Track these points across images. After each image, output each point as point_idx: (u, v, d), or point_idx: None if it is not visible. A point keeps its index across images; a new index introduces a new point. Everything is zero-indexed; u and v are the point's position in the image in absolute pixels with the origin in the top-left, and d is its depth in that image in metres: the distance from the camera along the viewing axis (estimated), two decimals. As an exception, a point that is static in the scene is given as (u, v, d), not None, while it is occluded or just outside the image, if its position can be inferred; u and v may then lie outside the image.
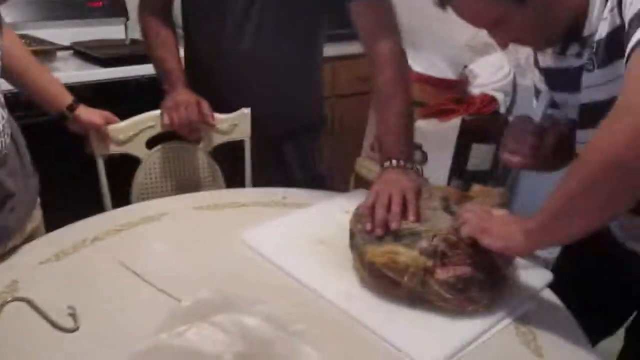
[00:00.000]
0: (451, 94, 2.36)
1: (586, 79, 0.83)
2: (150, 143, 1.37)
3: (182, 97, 1.29)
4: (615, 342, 1.08)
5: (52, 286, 0.90)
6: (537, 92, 1.05)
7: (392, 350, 0.78)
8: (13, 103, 1.08)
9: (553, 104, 1.01)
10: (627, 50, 0.67)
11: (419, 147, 2.26)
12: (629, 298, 1.02)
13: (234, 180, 1.47)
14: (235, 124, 1.40)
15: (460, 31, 2.65)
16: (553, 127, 0.95)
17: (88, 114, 1.22)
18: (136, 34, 2.49)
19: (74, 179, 1.59)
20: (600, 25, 0.77)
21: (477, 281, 0.84)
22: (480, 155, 2.28)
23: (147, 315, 0.80)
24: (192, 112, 1.28)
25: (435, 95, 2.33)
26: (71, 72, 1.94)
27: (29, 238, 1.06)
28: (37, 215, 1.11)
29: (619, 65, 0.72)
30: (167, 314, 0.70)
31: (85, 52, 2.14)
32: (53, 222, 1.14)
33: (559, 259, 1.17)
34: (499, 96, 2.35)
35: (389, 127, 1.16)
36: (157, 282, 0.90)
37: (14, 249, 1.01)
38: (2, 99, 0.96)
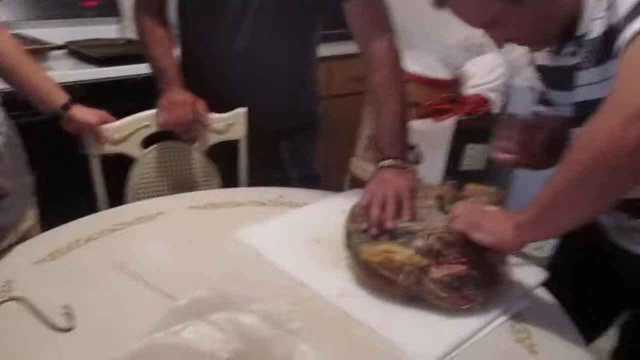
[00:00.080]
0: (445, 94, 2.37)
1: (582, 77, 0.84)
2: (146, 142, 1.37)
3: (178, 96, 1.29)
4: (608, 341, 1.09)
5: (46, 286, 0.90)
6: (534, 91, 1.06)
7: (388, 348, 0.78)
8: (8, 102, 1.08)
9: (547, 102, 1.02)
10: (619, 48, 0.68)
11: (413, 147, 2.27)
12: (622, 296, 1.02)
13: (229, 179, 1.47)
14: (230, 124, 1.40)
15: (454, 32, 2.67)
16: (542, 124, 0.96)
17: (83, 113, 1.22)
18: (130, 33, 2.50)
19: (68, 179, 1.58)
20: (595, 24, 0.78)
21: (472, 279, 0.84)
22: (474, 155, 2.29)
23: (143, 314, 0.80)
24: (187, 111, 1.28)
25: (430, 95, 2.33)
26: (65, 71, 1.93)
27: (24, 237, 1.05)
28: (32, 214, 1.11)
29: (615, 63, 0.73)
30: (164, 312, 0.70)
31: (79, 52, 2.14)
32: (48, 222, 1.13)
33: (554, 258, 1.18)
34: (493, 96, 2.36)
35: (384, 126, 1.17)
36: (153, 281, 0.90)
37: (9, 248, 1.00)
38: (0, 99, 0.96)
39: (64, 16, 2.29)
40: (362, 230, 0.94)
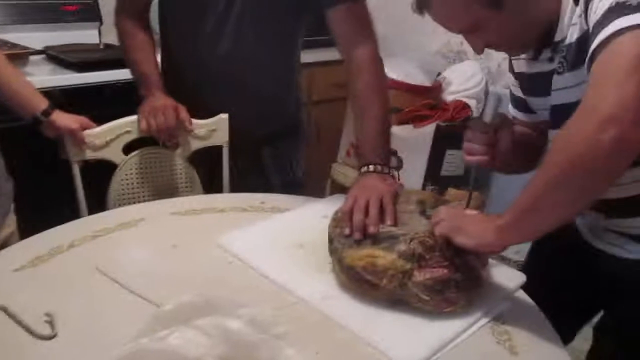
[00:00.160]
0: (425, 101, 2.40)
1: (557, 81, 0.87)
2: (127, 148, 1.36)
3: (160, 102, 1.29)
4: (583, 342, 1.11)
5: (28, 293, 0.88)
6: (513, 97, 1.09)
7: (372, 351, 0.79)
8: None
9: (526, 109, 1.04)
10: (590, 52, 0.70)
11: (394, 153, 2.29)
12: (597, 297, 1.05)
13: (211, 185, 1.47)
14: (213, 130, 1.40)
15: (433, 39, 2.72)
16: (504, 125, 0.98)
17: (63, 119, 1.21)
18: (110, 38, 2.48)
19: (48, 185, 1.56)
20: (570, 31, 0.81)
21: (454, 282, 0.86)
22: (454, 161, 2.32)
23: (126, 321, 0.79)
24: (169, 117, 1.28)
25: (410, 101, 2.36)
26: (44, 76, 1.91)
27: (4, 244, 1.05)
28: (12, 220, 1.09)
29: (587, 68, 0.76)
30: (148, 318, 0.70)
31: (58, 57, 2.11)
32: (28, 228, 1.12)
33: (528, 260, 1.20)
34: (472, 103, 2.41)
35: (366, 132, 1.18)
36: (136, 287, 0.89)
37: (-13, 256, 0.99)
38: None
39: (43, 20, 2.26)
40: (345, 235, 0.95)
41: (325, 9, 1.25)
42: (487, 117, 0.98)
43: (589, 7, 0.74)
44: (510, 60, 1.05)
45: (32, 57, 2.03)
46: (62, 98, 1.73)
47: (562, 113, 0.86)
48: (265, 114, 1.43)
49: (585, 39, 0.75)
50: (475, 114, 2.38)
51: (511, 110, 1.10)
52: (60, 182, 1.31)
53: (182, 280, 0.93)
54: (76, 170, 1.30)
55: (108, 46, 2.38)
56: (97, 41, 2.42)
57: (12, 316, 0.81)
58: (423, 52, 2.74)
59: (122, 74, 1.98)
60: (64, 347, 0.77)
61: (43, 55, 2.17)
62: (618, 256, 0.95)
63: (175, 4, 1.35)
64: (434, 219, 0.90)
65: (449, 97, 2.46)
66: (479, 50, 0.92)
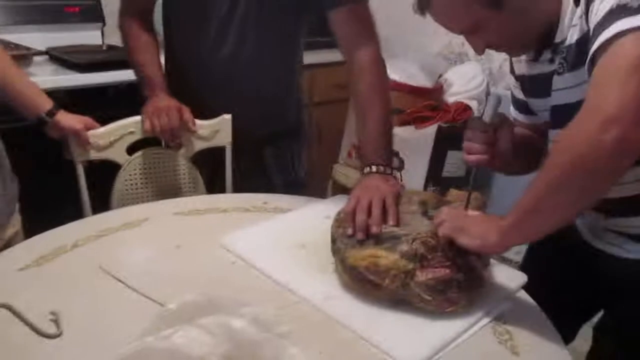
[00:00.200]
0: (427, 102, 2.41)
1: (557, 82, 0.87)
2: (131, 149, 1.37)
3: (164, 103, 1.30)
4: (584, 343, 1.12)
5: (32, 292, 0.89)
6: (514, 99, 1.10)
7: (374, 351, 0.80)
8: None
9: (527, 110, 1.05)
10: (591, 54, 0.71)
11: (395, 154, 2.30)
12: (597, 297, 1.05)
13: (213, 185, 1.48)
14: (216, 130, 1.41)
15: (434, 41, 2.73)
16: (504, 124, 0.99)
17: (68, 119, 1.22)
18: (113, 40, 2.49)
19: (52, 185, 1.57)
20: (570, 32, 0.81)
21: (456, 283, 0.86)
22: (455, 162, 2.33)
23: (130, 320, 0.80)
24: (173, 118, 1.28)
25: (412, 103, 2.37)
26: (47, 77, 1.92)
27: (8, 244, 1.05)
28: (17, 220, 1.10)
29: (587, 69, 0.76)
30: (153, 317, 0.71)
31: (61, 57, 2.12)
32: (32, 228, 1.13)
33: (526, 260, 1.21)
34: (473, 104, 2.41)
35: (368, 133, 1.18)
36: (140, 287, 0.90)
37: (-8, 255, 1.00)
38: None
39: (46, 21, 2.27)
40: (348, 236, 0.96)
41: (327, 10, 1.25)
42: (487, 117, 0.99)
43: (590, 8, 0.74)
44: (511, 63, 1.06)
45: (35, 58, 2.04)
46: (64, 99, 1.74)
47: (562, 113, 0.87)
48: (267, 114, 1.44)
49: (585, 40, 0.76)
50: (476, 115, 2.38)
51: (512, 113, 1.11)
52: (64, 182, 1.32)
53: (186, 279, 0.94)
54: (80, 171, 1.30)
55: (111, 47, 2.39)
56: (100, 42, 2.43)
57: (17, 315, 0.82)
58: (424, 53, 2.75)
59: (125, 75, 1.99)
60: (69, 346, 0.77)
61: (46, 56, 2.18)
62: (617, 256, 0.95)
63: (179, 7, 1.35)
64: (437, 219, 0.90)
65: (450, 98, 2.47)
66: (479, 51, 0.92)
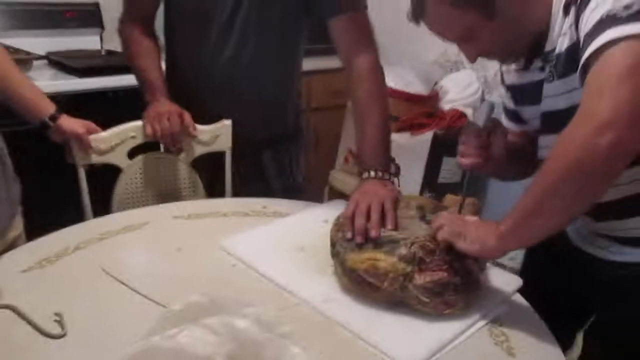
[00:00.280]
0: (423, 109, 2.44)
1: (547, 89, 0.90)
2: (132, 153, 1.38)
3: (165, 107, 1.31)
4: (575, 348, 1.13)
5: (36, 294, 0.90)
6: (505, 109, 1.12)
7: (373, 351, 0.81)
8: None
9: (518, 119, 1.07)
10: (582, 62, 0.73)
11: (392, 160, 2.32)
12: (589, 302, 1.07)
13: (213, 189, 1.49)
14: (216, 135, 1.42)
15: (430, 49, 2.76)
16: (497, 129, 1.02)
17: (70, 123, 1.23)
18: (111, 45, 2.51)
19: (54, 187, 1.58)
20: (560, 41, 0.84)
21: (453, 285, 0.88)
22: (451, 168, 2.36)
23: (133, 321, 0.81)
24: (174, 122, 1.30)
25: (408, 109, 2.40)
26: (46, 81, 1.94)
27: (11, 246, 1.06)
28: (19, 223, 1.11)
29: (577, 76, 0.79)
30: (158, 317, 0.72)
31: (60, 62, 2.14)
32: (33, 231, 1.14)
33: (524, 267, 1.23)
34: (468, 111, 2.44)
35: (367, 139, 1.20)
36: (142, 288, 0.91)
37: (-5, 258, 1.01)
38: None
39: (46, 26, 2.29)
40: (347, 239, 0.97)
41: (327, 18, 1.28)
42: (480, 122, 1.01)
43: (580, 18, 0.77)
44: (501, 73, 1.09)
45: (35, 62, 2.05)
46: (63, 103, 1.75)
47: (552, 119, 0.90)
48: (267, 118, 1.46)
49: (575, 48, 0.79)
50: (473, 118, 2.41)
51: (504, 122, 1.13)
52: (65, 185, 1.33)
53: (187, 282, 0.95)
54: (82, 174, 1.32)
55: (110, 52, 2.41)
56: (99, 47, 2.45)
57: (21, 315, 0.83)
58: (420, 61, 2.78)
59: (124, 80, 2.02)
60: (73, 346, 0.79)
61: (45, 61, 2.20)
62: (605, 259, 0.97)
63: (181, 13, 1.37)
64: (435, 224, 0.92)
65: (445, 105, 2.50)
66: (472, 59, 0.95)
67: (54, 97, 1.23)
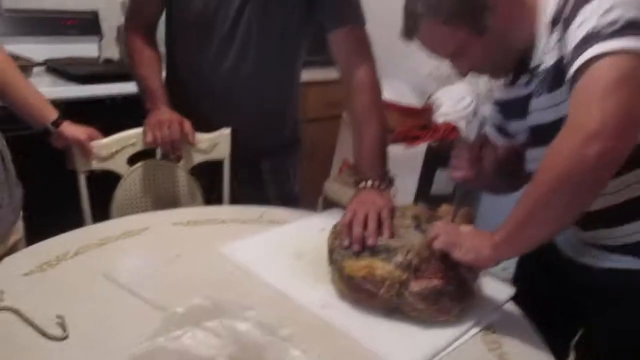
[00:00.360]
0: (417, 121, 2.47)
1: (534, 103, 0.93)
2: (132, 160, 1.40)
3: (166, 115, 1.33)
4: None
5: (37, 297, 0.91)
6: (492, 124, 1.15)
7: (370, 356, 0.83)
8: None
9: (506, 133, 1.11)
10: (570, 76, 0.77)
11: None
12: (578, 311, 1.09)
13: (211, 196, 1.50)
14: (215, 144, 1.44)
15: (424, 62, 2.80)
16: (488, 143, 1.06)
17: (72, 130, 1.24)
18: (109, 53, 2.53)
19: (54, 193, 1.59)
20: (547, 56, 0.88)
21: (448, 293, 0.90)
22: (444, 180, 2.39)
23: (134, 324, 0.83)
24: (174, 130, 1.31)
25: (402, 122, 2.43)
26: (45, 88, 1.94)
27: (12, 250, 1.07)
28: (20, 227, 1.12)
29: (563, 90, 0.83)
30: (161, 320, 0.73)
31: (58, 69, 2.15)
32: (33, 235, 1.15)
33: (516, 277, 1.25)
34: (462, 124, 2.48)
35: (365, 150, 1.23)
36: (142, 293, 0.92)
37: (-3, 260, 1.02)
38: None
39: (45, 33, 2.30)
40: (345, 247, 1.00)
41: (326, 31, 1.31)
42: (472, 136, 1.05)
43: (566, 34, 0.80)
44: (489, 90, 1.12)
45: (34, 69, 2.06)
46: (61, 110, 1.76)
47: (540, 132, 0.94)
48: (265, 129, 1.48)
49: (562, 63, 0.82)
50: (465, 133, 2.45)
51: (492, 137, 1.16)
52: (65, 191, 1.34)
53: (187, 286, 0.97)
54: (82, 180, 1.33)
55: (108, 60, 2.43)
56: (97, 55, 2.46)
57: (23, 318, 0.84)
58: (415, 74, 2.81)
59: (122, 88, 2.03)
60: (75, 348, 0.80)
61: (42, 68, 2.21)
62: (595, 267, 0.99)
63: (182, 23, 1.39)
64: (431, 233, 0.95)
65: (439, 118, 2.53)
66: (463, 74, 0.99)
67: (53, 104, 1.25)
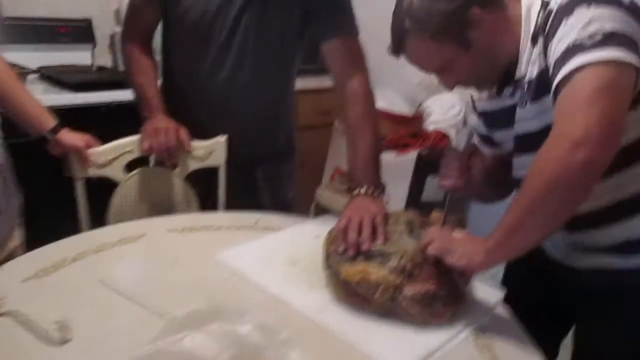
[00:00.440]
0: (408, 129, 2.51)
1: (519, 113, 0.97)
2: (128, 167, 1.41)
3: (162, 123, 1.34)
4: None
5: (37, 302, 0.92)
6: (478, 135, 1.18)
7: (366, 358, 0.85)
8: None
9: (492, 143, 1.14)
10: (554, 87, 0.80)
11: (378, 179, 2.37)
12: (571, 312, 1.12)
13: (206, 203, 1.52)
14: (211, 151, 1.46)
15: (415, 71, 2.83)
16: (476, 152, 1.09)
17: (70, 137, 1.26)
18: (102, 61, 2.54)
19: (51, 199, 1.59)
20: (530, 68, 0.91)
21: (440, 297, 0.93)
22: (434, 187, 2.42)
23: (133, 329, 0.84)
24: (171, 138, 1.33)
25: (393, 130, 2.47)
26: (38, 95, 1.94)
27: (10, 256, 1.08)
28: (19, 234, 1.13)
29: (547, 100, 0.86)
30: (163, 324, 0.75)
31: (52, 77, 2.16)
32: (30, 241, 1.16)
33: (504, 283, 1.28)
34: (452, 132, 2.52)
35: (359, 157, 1.26)
36: (140, 298, 0.94)
37: (-4, 266, 1.02)
38: (-1, 120, 1.00)
39: (37, 41, 2.31)
40: (340, 252, 1.02)
41: (320, 41, 1.34)
42: (461, 146, 1.08)
43: (549, 47, 0.84)
44: (473, 103, 1.16)
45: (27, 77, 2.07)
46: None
47: (526, 141, 0.97)
48: (261, 137, 1.50)
49: (545, 74, 0.86)
50: (454, 142, 2.49)
51: (478, 146, 1.19)
52: (62, 197, 1.35)
53: (184, 292, 0.98)
54: (79, 187, 1.34)
55: (101, 68, 2.44)
56: (89, 62, 2.47)
57: (24, 322, 0.85)
58: (405, 83, 2.85)
59: (115, 96, 2.05)
60: (76, 353, 0.81)
61: (36, 75, 2.22)
62: (581, 268, 1.02)
63: (179, 32, 1.41)
64: (425, 239, 0.97)
65: (429, 126, 2.57)
66: (450, 88, 1.03)
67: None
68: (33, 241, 1.14)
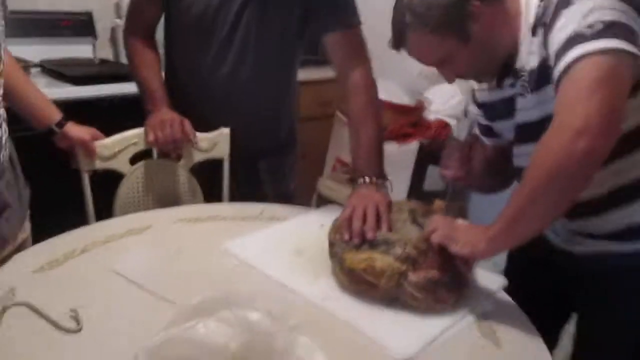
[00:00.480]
0: (409, 119, 2.52)
1: (520, 103, 0.98)
2: (133, 159, 1.42)
3: (167, 116, 1.36)
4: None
5: (48, 293, 0.94)
6: (479, 126, 1.20)
7: (372, 343, 0.87)
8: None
9: (492, 134, 1.15)
10: (555, 77, 0.81)
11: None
12: (572, 299, 1.14)
13: (210, 194, 1.53)
14: (215, 143, 1.47)
15: (414, 63, 2.84)
16: (477, 143, 1.11)
17: (76, 130, 1.27)
18: (103, 54, 2.54)
19: (58, 192, 1.61)
20: (530, 59, 0.92)
21: (444, 283, 0.95)
22: (436, 177, 2.44)
23: (145, 317, 0.86)
24: (176, 130, 1.34)
25: (394, 120, 2.48)
26: (41, 89, 1.94)
27: (19, 248, 1.09)
28: (27, 226, 1.15)
29: (548, 90, 0.87)
30: (175, 312, 0.77)
31: (54, 70, 2.16)
32: (37, 233, 1.17)
33: (506, 272, 1.29)
34: (452, 122, 2.53)
35: (362, 148, 1.27)
36: (151, 287, 0.96)
37: (5, 259, 1.04)
38: (5, 114, 1.01)
39: (38, 34, 2.31)
40: (345, 240, 1.04)
41: (322, 34, 1.34)
42: (462, 136, 1.09)
43: (548, 37, 0.85)
44: (473, 94, 1.17)
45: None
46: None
47: (526, 130, 0.99)
48: (263, 131, 1.51)
49: (545, 64, 0.87)
50: (455, 132, 2.50)
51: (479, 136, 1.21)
52: (69, 190, 1.36)
53: (193, 281, 1.00)
54: (86, 180, 1.36)
55: (103, 61, 2.45)
56: (91, 56, 2.48)
57: (37, 312, 0.86)
58: (406, 73, 2.86)
59: (117, 89, 2.06)
60: (90, 341, 0.83)
61: (38, 69, 2.22)
62: (582, 254, 1.04)
63: (181, 27, 1.42)
64: (429, 227, 0.99)
65: (431, 116, 2.58)
66: (450, 80, 1.04)
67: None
68: (40, 234, 1.15)
